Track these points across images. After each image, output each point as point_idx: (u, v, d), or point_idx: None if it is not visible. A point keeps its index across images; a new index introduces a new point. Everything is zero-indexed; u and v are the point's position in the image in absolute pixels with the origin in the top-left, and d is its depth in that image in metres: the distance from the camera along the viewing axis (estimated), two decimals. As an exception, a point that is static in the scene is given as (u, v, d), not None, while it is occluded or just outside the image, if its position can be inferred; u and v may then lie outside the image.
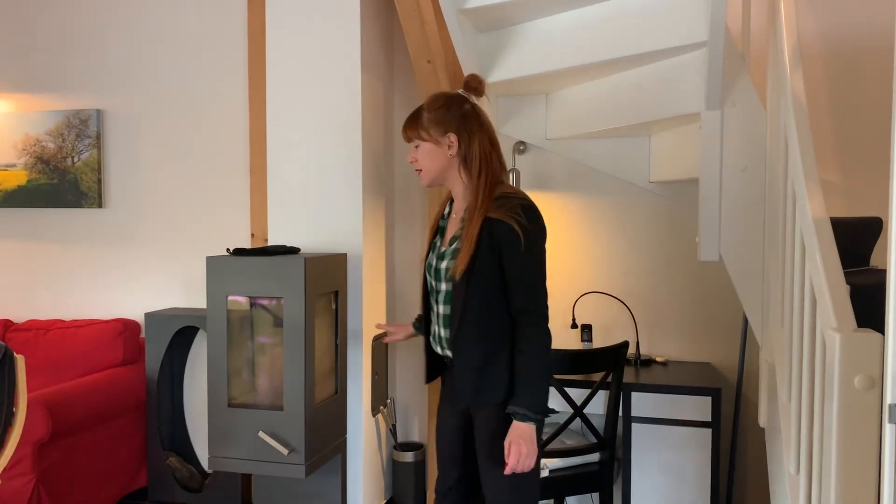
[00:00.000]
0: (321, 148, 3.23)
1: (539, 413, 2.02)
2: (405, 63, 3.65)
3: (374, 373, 3.38)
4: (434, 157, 2.17)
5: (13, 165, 4.08)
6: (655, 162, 3.33)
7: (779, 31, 2.21)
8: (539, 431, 2.07)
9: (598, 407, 3.02)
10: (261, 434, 2.81)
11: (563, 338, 3.52)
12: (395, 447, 3.56)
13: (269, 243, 3.34)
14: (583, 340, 3.35)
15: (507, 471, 2.03)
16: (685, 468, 2.93)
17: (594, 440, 2.91)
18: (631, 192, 3.44)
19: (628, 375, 3.09)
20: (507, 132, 3.50)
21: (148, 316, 3.67)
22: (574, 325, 3.36)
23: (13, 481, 3.15)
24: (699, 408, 2.90)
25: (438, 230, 2.29)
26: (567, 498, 3.30)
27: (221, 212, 3.88)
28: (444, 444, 2.32)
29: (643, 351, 3.44)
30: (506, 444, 2.04)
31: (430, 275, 2.25)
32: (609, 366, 2.82)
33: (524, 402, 2.00)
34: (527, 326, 2.04)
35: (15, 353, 2.37)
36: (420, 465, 3.54)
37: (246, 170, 3.81)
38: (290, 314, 2.81)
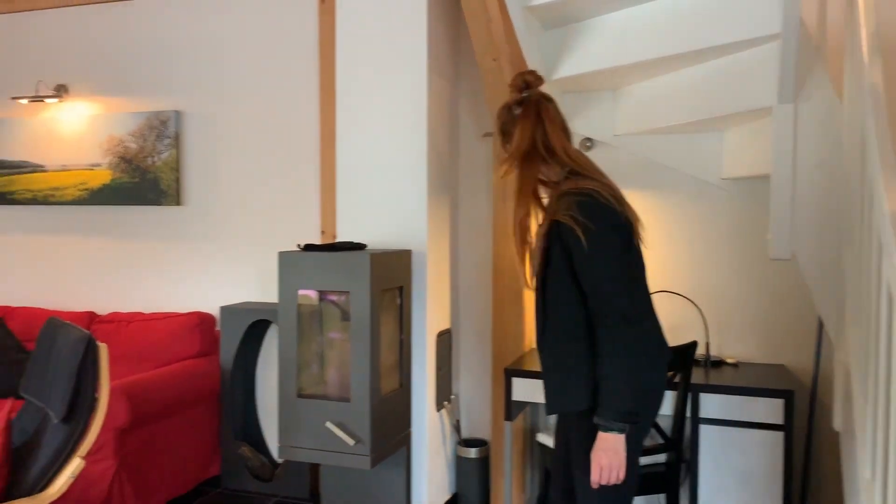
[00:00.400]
0: (388, 147, 3.28)
1: (622, 420, 1.91)
2: (471, 62, 3.67)
3: (439, 368, 3.41)
4: (511, 167, 2.22)
5: (98, 165, 4.29)
6: (728, 158, 3.26)
7: (856, 20, 2.14)
8: (634, 436, 1.99)
9: (665, 407, 2.97)
10: (328, 424, 2.88)
11: (630, 337, 3.47)
12: (459, 443, 3.59)
13: (338, 240, 3.42)
14: (650, 340, 3.29)
15: (593, 484, 1.98)
16: (755, 472, 2.85)
17: (661, 441, 2.87)
18: (701, 189, 3.37)
19: (697, 376, 3.02)
20: (574, 129, 3.46)
21: (223, 309, 3.80)
22: (641, 324, 3.30)
23: (96, 465, 3.31)
24: (771, 410, 2.82)
25: None
26: (634, 498, 3.25)
27: (293, 209, 3.98)
28: (557, 453, 2.29)
29: (713, 352, 3.37)
30: (591, 455, 1.97)
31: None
32: (677, 366, 2.77)
33: (606, 411, 1.92)
34: (605, 329, 1.94)
35: (98, 343, 2.49)
36: (484, 462, 3.55)
37: (316, 169, 3.90)
38: (356, 308, 2.86)
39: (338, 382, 3.03)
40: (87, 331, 2.53)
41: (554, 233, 1.99)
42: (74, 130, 4.33)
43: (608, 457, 1.94)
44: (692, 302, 3.38)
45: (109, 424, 3.28)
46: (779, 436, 2.81)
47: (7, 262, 4.60)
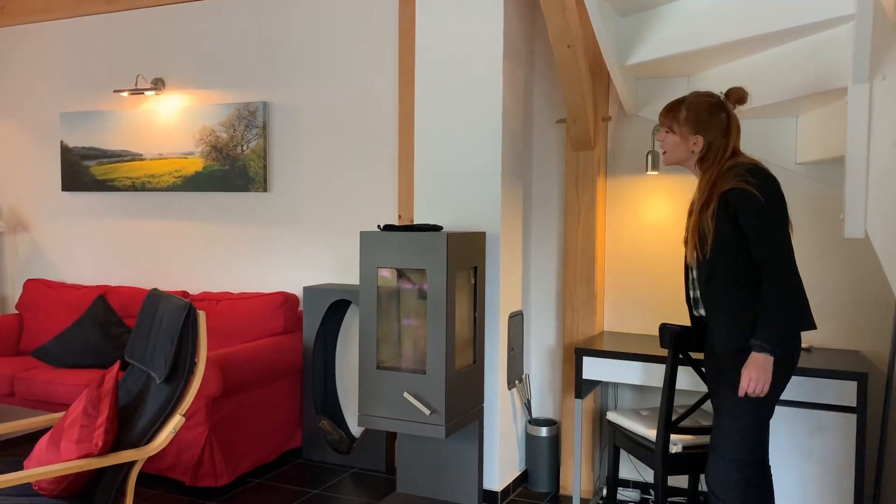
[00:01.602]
0: (463, 133, 3.41)
1: (775, 346, 2.23)
2: (546, 48, 3.76)
3: (510, 347, 3.52)
4: (678, 148, 2.51)
5: (191, 153, 4.56)
6: (803, 142, 3.25)
7: (934, -2, 2.14)
8: (781, 368, 2.29)
9: (734, 387, 3.00)
10: (406, 395, 3.03)
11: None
12: (529, 422, 3.69)
13: (415, 222, 3.56)
14: (721, 323, 3.32)
15: (740, 393, 2.28)
16: (827, 454, 2.86)
17: (730, 420, 2.90)
18: (776, 172, 3.35)
19: (768, 358, 3.04)
20: (647, 115, 3.53)
21: (306, 290, 4.00)
22: (712, 307, 3.33)
23: (190, 430, 3.55)
24: (843, 393, 2.82)
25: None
26: (701, 475, 3.29)
27: (371, 195, 4.15)
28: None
29: (786, 336, 3.36)
30: (742, 371, 2.27)
31: (685, 245, 2.53)
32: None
33: (760, 336, 2.24)
34: (768, 273, 2.26)
35: (198, 310, 2.70)
36: (554, 441, 3.65)
37: (394, 155, 4.06)
38: (432, 285, 3.00)
39: (414, 357, 3.18)
40: (186, 300, 2.74)
41: (721, 203, 2.33)
42: (170, 121, 4.63)
43: (758, 371, 2.24)
44: (765, 286, 3.38)
45: (202, 392, 3.51)
46: (851, 418, 2.81)
47: (108, 245, 4.94)
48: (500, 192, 3.36)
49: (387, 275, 3.22)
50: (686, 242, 2.49)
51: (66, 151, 4.96)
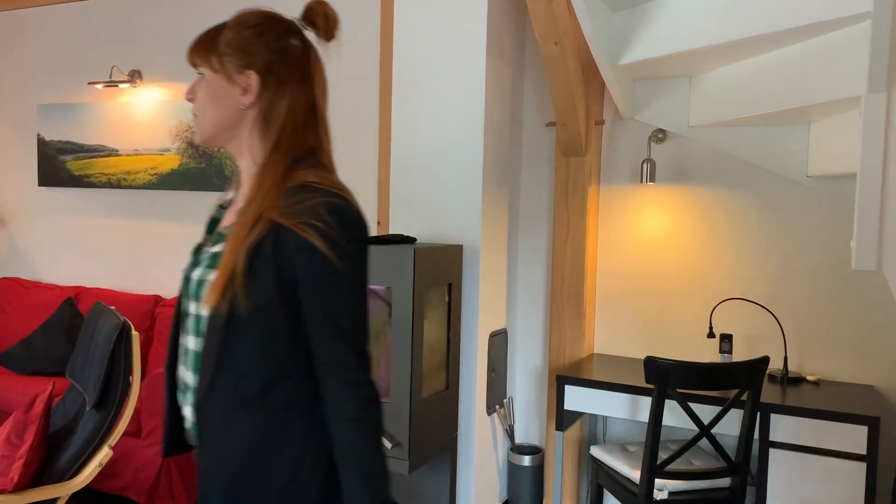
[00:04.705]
0: (442, 136, 3.13)
1: None
2: (537, 44, 3.46)
3: (491, 369, 3.25)
4: (220, 98, 1.38)
5: (168, 150, 4.32)
6: (815, 153, 2.93)
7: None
8: None
9: (731, 427, 2.70)
10: (365, 426, 2.76)
11: (699, 349, 3.20)
12: (511, 449, 3.41)
13: (390, 232, 3.29)
14: (721, 352, 3.02)
15: None
16: (832, 505, 2.56)
17: (724, 464, 2.61)
18: (784, 187, 3.06)
19: (773, 394, 2.74)
20: (644, 119, 3.22)
21: (278, 298, 3.75)
22: (711, 335, 3.03)
23: (147, 449, 3.33)
24: (852, 438, 2.51)
25: (212, 223, 1.52)
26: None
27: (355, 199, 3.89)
28: None
29: (792, 367, 3.05)
30: None
31: (184, 288, 1.43)
32: (745, 382, 2.50)
33: (361, 501, 1.28)
34: (344, 386, 1.29)
35: (133, 331, 2.46)
36: (538, 471, 3.37)
37: (375, 158, 3.79)
38: (398, 304, 2.73)
39: (380, 381, 2.91)
40: (123, 318, 2.50)
41: (269, 240, 1.29)
42: (146, 115, 4.39)
43: None
44: (769, 311, 3.07)
45: (159, 410, 3.29)
46: (860, 467, 2.50)
47: (84, 243, 4.73)
48: (480, 201, 3.08)
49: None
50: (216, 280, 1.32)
51: (42, 145, 4.75)
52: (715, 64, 2.89)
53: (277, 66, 1.37)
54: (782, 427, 2.61)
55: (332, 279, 1.29)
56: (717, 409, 2.69)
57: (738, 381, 2.50)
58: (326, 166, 1.41)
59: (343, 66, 3.86)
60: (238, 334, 1.31)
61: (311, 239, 1.28)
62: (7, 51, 4.94)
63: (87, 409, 2.48)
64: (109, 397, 2.45)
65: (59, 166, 4.70)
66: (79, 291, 4.47)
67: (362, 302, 1.34)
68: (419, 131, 3.18)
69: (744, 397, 2.57)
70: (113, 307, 2.82)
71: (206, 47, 1.39)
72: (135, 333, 2.45)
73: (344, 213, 1.31)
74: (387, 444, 2.71)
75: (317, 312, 1.30)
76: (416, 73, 3.18)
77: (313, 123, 1.40)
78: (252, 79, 1.36)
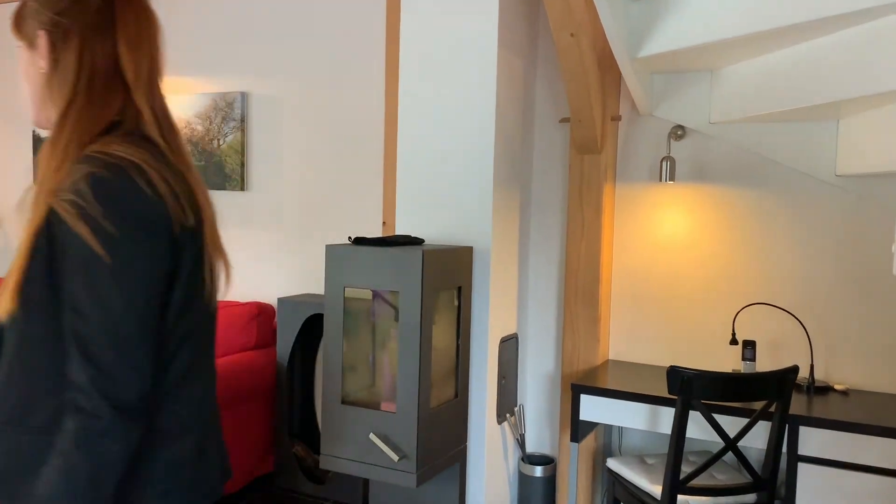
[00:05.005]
0: (451, 132, 2.98)
1: None
2: (551, 36, 3.32)
3: (501, 377, 3.10)
4: (28, 71, 1.20)
5: (166, 147, 4.19)
6: (845, 151, 2.78)
7: None
8: None
9: (755, 439, 2.56)
10: (371, 436, 2.63)
11: (720, 355, 3.06)
12: (522, 459, 3.27)
13: (396, 233, 3.15)
14: (744, 359, 2.87)
15: None
16: (866, 524, 2.41)
17: (750, 479, 2.47)
18: (811, 186, 2.91)
19: (799, 405, 2.59)
20: (663, 115, 3.08)
21: (281, 301, 3.61)
22: (734, 342, 2.89)
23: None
24: (888, 452, 2.36)
25: None
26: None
27: (358, 198, 3.75)
28: None
29: (818, 376, 2.91)
30: None
31: None
32: (773, 393, 2.36)
33: None
34: (71, 412, 1.03)
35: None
36: (550, 481, 3.23)
37: (382, 156, 3.65)
38: (405, 309, 2.59)
39: (386, 390, 2.77)
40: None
41: (43, 229, 1.09)
42: (144, 111, 4.25)
43: None
44: (794, 316, 2.93)
45: (155, 417, 3.15)
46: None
47: (80, 243, 4.59)
48: (491, 201, 2.93)
49: (360, 293, 2.81)
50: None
51: (38, 141, 4.62)
52: (739, 56, 2.74)
53: (65, 18, 1.14)
54: (812, 440, 2.47)
55: (88, 271, 1.03)
56: (740, 420, 2.55)
57: (766, 392, 2.35)
58: (146, 137, 1.16)
59: (347, 59, 3.72)
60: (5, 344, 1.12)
61: (68, 220, 1.03)
62: (4, 44, 4.81)
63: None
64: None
65: (55, 164, 4.56)
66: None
67: (129, 308, 1.04)
68: (427, 127, 3.04)
69: (772, 409, 2.42)
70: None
71: (14, 17, 1.20)
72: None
73: (109, 187, 1.04)
74: (393, 455, 2.57)
75: (65, 310, 1.05)
76: (423, 66, 3.03)
77: (120, 84, 1.16)
78: (42, 38, 1.16)
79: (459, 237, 3.00)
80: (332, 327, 2.73)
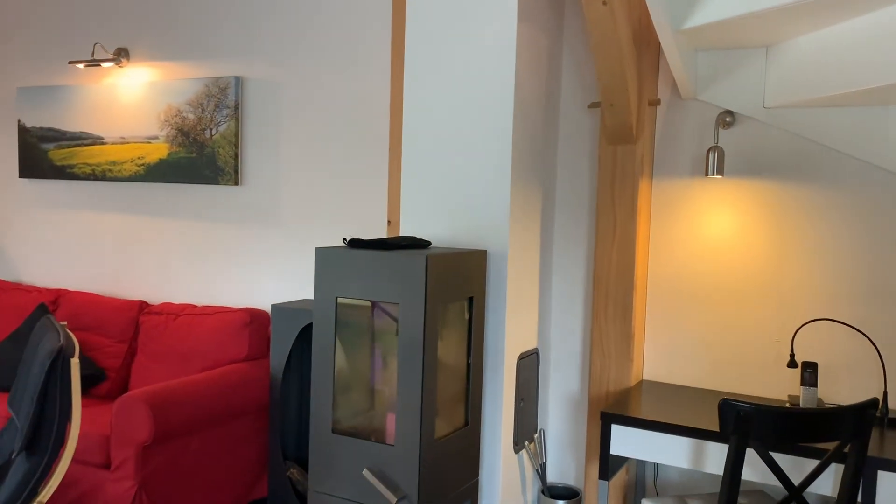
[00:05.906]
0: (464, 119, 2.59)
1: None
2: (579, 7, 2.92)
3: (519, 399, 2.71)
4: None
5: (156, 138, 3.84)
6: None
7: None
8: None
9: (823, 487, 2.14)
10: (365, 473, 2.25)
11: (773, 379, 2.64)
12: (542, 492, 2.88)
13: (401, 234, 2.77)
14: (803, 384, 2.45)
15: None
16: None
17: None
18: (882, 181, 2.49)
19: (871, 443, 2.18)
20: (709, 99, 2.67)
21: (274, 308, 3.25)
22: (793, 364, 2.47)
23: (116, 484, 2.86)
24: None
25: None
26: None
27: (361, 195, 3.37)
28: None
29: (892, 405, 2.48)
30: None
31: None
32: (847, 432, 1.95)
33: None
34: None
35: (72, 359, 1.96)
36: (574, 517, 2.84)
37: (386, 148, 3.27)
38: (406, 324, 2.21)
39: (382, 420, 2.39)
40: (63, 339, 2.01)
41: None
42: (133, 99, 3.91)
43: None
44: (865, 335, 2.50)
45: (130, 440, 2.82)
46: None
47: (67, 241, 4.27)
48: (508, 198, 2.54)
49: (356, 303, 2.43)
50: None
51: (23, 132, 4.30)
52: (800, 29, 2.33)
53: None
54: (890, 487, 2.05)
55: None
56: (800, 460, 2.14)
57: (840, 431, 1.94)
58: None
59: (351, 40, 3.35)
60: None
61: None
62: (-13, 29, 4.50)
63: (15, 454, 2.00)
64: (41, 442, 1.96)
65: (40, 156, 4.24)
66: (58, 295, 4.01)
67: None
68: (437, 115, 2.65)
69: (846, 449, 2.01)
70: (65, 322, 2.33)
71: None
72: (74, 361, 1.96)
73: None
74: (391, 497, 2.19)
75: None
76: (432, 44, 2.65)
77: None
78: None
79: (472, 239, 2.61)
80: (321, 343, 2.36)
